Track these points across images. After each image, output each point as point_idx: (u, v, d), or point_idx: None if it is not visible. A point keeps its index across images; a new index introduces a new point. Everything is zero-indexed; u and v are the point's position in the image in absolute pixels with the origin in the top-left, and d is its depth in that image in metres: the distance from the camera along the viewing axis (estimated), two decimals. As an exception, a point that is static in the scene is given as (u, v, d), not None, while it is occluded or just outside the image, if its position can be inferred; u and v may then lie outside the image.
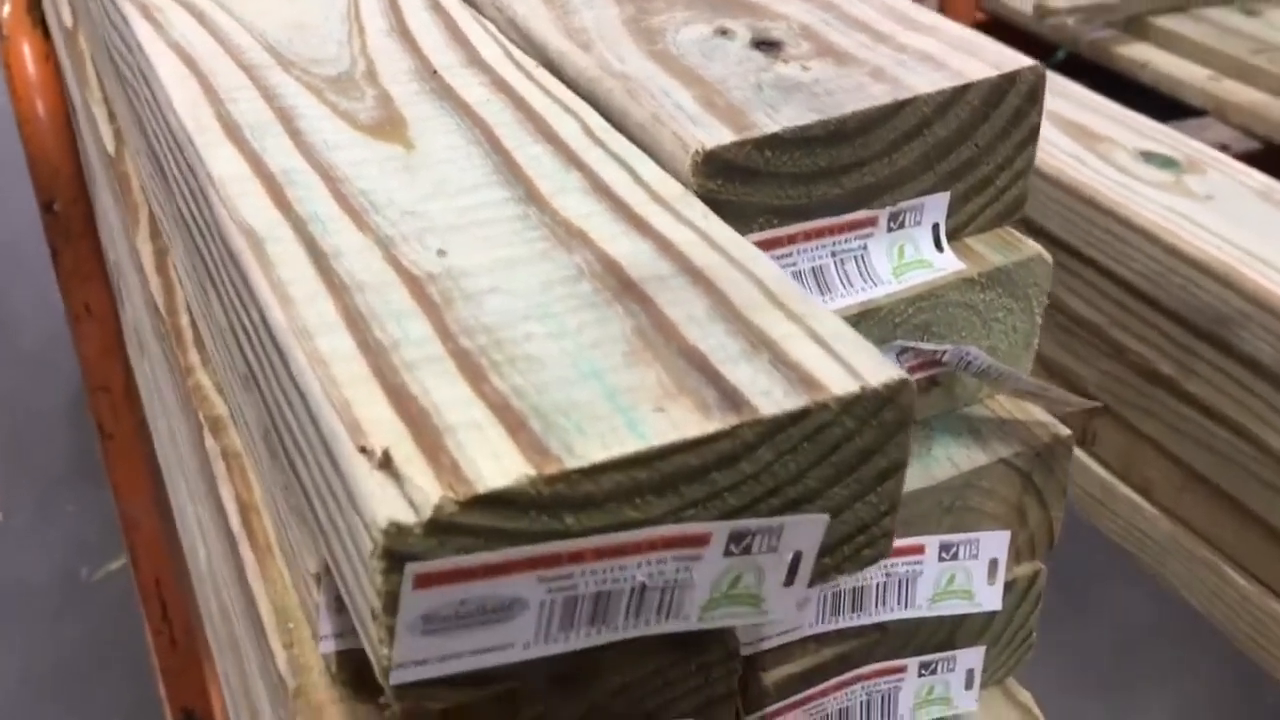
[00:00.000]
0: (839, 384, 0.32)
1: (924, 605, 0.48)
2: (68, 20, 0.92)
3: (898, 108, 0.43)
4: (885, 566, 0.47)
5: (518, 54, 0.49)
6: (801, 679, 0.48)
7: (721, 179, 0.41)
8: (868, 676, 0.50)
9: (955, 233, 0.48)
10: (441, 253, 0.37)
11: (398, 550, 0.28)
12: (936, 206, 0.46)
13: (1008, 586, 0.50)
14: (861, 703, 0.50)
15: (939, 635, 0.50)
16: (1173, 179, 0.95)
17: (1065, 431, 0.49)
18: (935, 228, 0.47)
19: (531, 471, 0.29)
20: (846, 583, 0.47)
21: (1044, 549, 0.52)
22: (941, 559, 0.48)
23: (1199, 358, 0.87)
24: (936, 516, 0.48)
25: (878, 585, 0.48)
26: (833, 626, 0.48)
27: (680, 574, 0.32)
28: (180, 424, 0.60)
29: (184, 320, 0.60)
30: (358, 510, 0.29)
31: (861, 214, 0.44)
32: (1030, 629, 0.53)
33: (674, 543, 0.31)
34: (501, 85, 0.47)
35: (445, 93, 0.46)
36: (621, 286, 0.36)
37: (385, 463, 0.29)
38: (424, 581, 0.28)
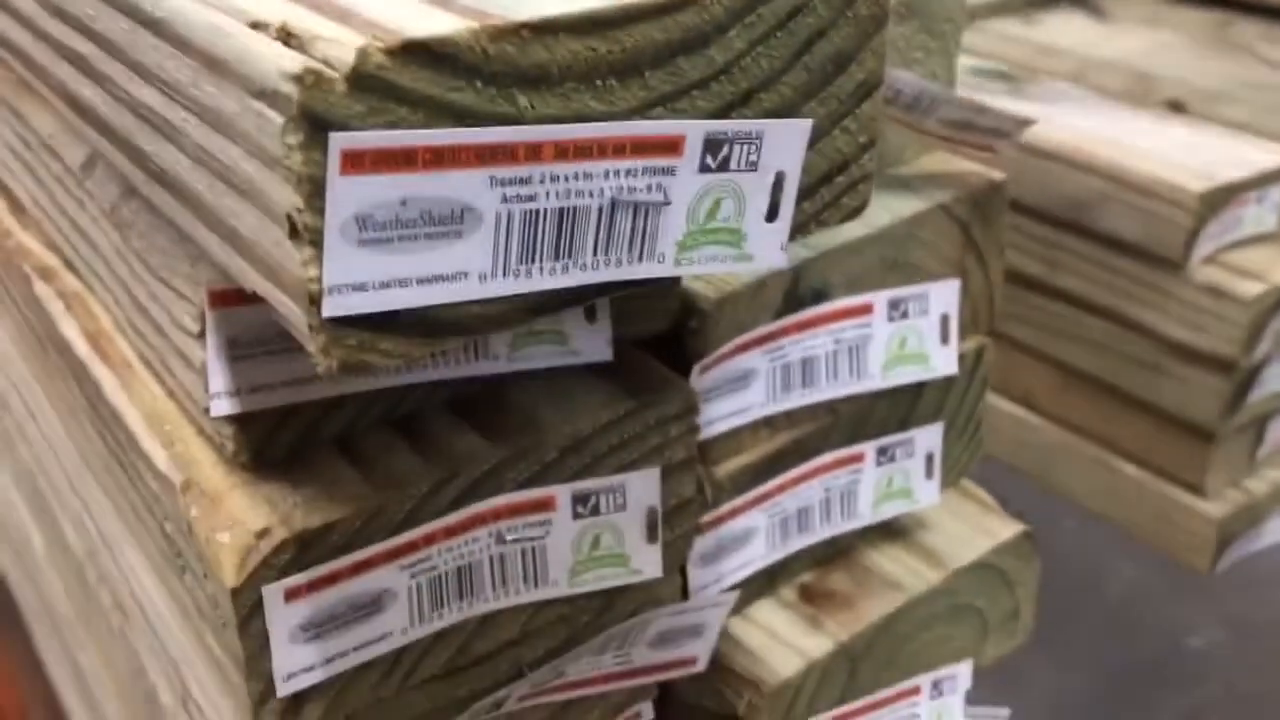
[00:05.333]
0: (806, -38, 0.28)
1: (876, 374, 0.44)
2: None
3: None
4: (834, 332, 0.43)
5: None
6: (755, 470, 0.43)
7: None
8: (825, 469, 0.45)
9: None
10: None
11: (317, 111, 0.22)
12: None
13: (955, 359, 0.46)
14: (820, 500, 0.45)
15: (894, 416, 0.46)
16: (1010, 87, 0.95)
17: (999, 176, 0.46)
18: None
19: (472, 23, 0.24)
20: (794, 353, 0.42)
21: (986, 322, 0.48)
22: (891, 318, 0.43)
23: (1063, 249, 0.86)
24: (880, 274, 0.43)
25: (827, 355, 0.43)
26: (783, 406, 0.43)
27: (653, 192, 0.26)
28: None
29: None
30: (261, 88, 0.23)
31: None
32: (979, 419, 0.49)
33: (646, 146, 0.26)
34: None
35: None
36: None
37: (285, 35, 0.23)
38: (354, 163, 0.23)
